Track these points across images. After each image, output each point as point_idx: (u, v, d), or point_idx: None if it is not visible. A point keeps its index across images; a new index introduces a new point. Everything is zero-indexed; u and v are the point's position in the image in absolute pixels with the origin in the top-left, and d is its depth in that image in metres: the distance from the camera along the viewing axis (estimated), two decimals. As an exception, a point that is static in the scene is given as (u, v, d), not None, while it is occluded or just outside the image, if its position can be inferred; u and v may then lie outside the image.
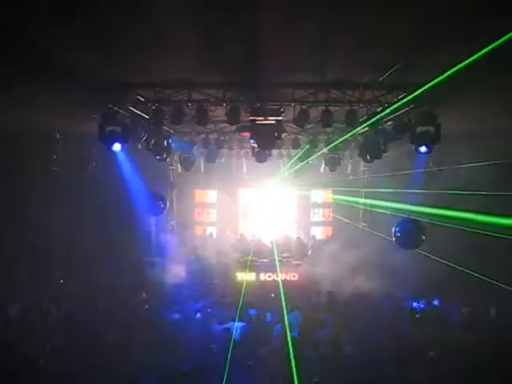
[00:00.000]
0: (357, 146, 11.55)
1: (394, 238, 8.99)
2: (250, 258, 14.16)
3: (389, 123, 8.47)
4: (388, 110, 7.52)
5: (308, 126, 9.32)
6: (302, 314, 9.48)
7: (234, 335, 8.33)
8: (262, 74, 6.29)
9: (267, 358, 7.64)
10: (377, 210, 14.07)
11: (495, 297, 9.37)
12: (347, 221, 16.10)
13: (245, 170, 16.44)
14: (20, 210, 9.99)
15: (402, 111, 7.71)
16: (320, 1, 4.15)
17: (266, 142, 8.15)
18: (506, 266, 9.53)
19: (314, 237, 17.20)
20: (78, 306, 9.70)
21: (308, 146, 11.30)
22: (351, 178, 15.86)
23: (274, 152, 13.58)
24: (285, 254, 15.06)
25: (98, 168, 11.55)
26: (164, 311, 9.87)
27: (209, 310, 10.13)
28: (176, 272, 12.25)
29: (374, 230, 14.02)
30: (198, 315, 9.68)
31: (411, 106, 7.48)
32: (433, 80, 5.94)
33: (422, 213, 9.67)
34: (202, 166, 15.65)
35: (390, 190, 12.23)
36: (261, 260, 14.19)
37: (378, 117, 7.76)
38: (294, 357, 7.06)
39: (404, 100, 7.19)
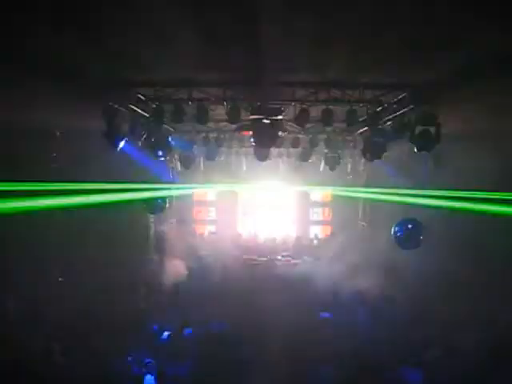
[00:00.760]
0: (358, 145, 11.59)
1: (393, 238, 9.01)
2: (248, 256, 14.20)
3: (389, 123, 8.48)
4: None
5: (308, 125, 9.32)
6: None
7: None
8: (263, 73, 6.29)
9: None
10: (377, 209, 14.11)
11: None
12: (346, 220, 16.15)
13: (244, 169, 16.45)
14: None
15: (401, 111, 7.73)
16: (320, 0, 4.15)
17: (266, 140, 8.17)
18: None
19: (316, 236, 17.23)
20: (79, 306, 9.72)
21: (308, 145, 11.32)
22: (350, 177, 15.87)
23: (274, 151, 13.61)
24: (284, 253, 15.12)
25: (98, 165, 11.53)
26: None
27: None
28: (175, 271, 12.25)
29: (374, 229, 14.05)
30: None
31: (411, 106, 7.49)
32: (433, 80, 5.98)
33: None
34: (202, 164, 15.66)
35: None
36: (260, 259, 14.22)
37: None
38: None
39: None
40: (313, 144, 11.09)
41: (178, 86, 7.53)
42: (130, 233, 12.77)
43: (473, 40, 4.88)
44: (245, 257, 14.21)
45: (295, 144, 10.93)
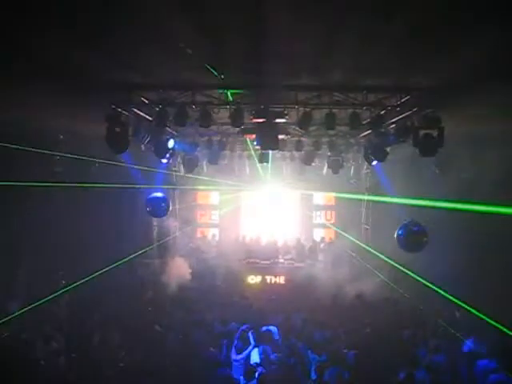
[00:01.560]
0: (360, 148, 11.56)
1: (397, 242, 8.97)
2: (251, 260, 14.18)
3: (392, 126, 8.46)
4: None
5: (311, 129, 9.32)
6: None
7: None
8: (266, 77, 6.29)
9: None
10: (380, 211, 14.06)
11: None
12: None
13: (248, 172, 16.46)
14: (20, 210, 9.97)
15: (405, 114, 7.71)
16: (324, 2, 4.15)
17: (268, 143, 8.17)
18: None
19: (322, 239, 17.18)
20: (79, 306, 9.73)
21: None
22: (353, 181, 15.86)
23: (277, 154, 13.63)
24: (287, 257, 15.10)
25: (101, 169, 11.55)
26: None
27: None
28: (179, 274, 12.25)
29: (377, 232, 14.01)
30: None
31: (414, 110, 7.47)
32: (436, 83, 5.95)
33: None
34: (205, 167, 15.68)
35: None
36: (263, 262, 14.19)
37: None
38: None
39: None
40: (316, 147, 11.10)
41: (181, 89, 7.54)
42: (132, 234, 12.82)
43: (475, 42, 4.86)
44: (248, 260, 14.19)
45: (298, 147, 10.93)
